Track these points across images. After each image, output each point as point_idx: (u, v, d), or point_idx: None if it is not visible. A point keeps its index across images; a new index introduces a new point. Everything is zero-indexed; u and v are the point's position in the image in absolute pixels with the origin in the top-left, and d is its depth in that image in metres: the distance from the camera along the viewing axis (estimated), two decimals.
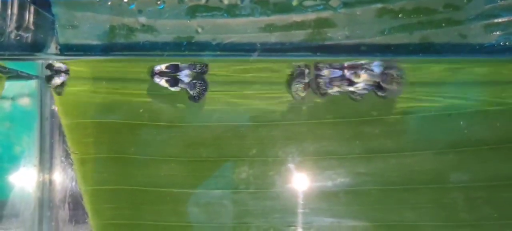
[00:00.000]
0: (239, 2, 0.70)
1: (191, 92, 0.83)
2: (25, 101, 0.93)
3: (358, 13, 0.75)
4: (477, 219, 0.85)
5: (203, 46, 0.72)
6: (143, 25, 0.72)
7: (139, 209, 0.89)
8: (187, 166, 0.88)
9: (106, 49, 0.74)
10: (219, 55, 0.74)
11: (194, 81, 0.81)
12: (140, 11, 0.71)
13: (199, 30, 0.72)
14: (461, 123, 0.84)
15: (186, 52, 0.72)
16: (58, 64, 0.83)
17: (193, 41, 0.72)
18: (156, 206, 0.88)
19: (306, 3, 0.73)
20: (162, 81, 0.81)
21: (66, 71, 0.83)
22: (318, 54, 0.73)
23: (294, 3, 0.71)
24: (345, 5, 0.73)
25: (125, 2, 0.72)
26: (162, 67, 0.79)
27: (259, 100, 0.85)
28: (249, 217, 0.86)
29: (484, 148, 0.84)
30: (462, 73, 0.84)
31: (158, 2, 0.71)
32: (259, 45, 0.72)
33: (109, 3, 0.72)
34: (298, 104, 0.85)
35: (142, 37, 0.73)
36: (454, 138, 0.84)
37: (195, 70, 0.79)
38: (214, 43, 0.72)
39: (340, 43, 0.74)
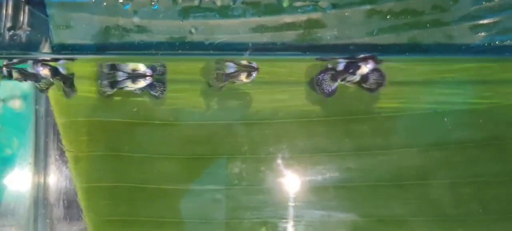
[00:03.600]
0: (231, 3, 0.72)
1: (153, 93, 0.85)
2: (19, 101, 0.94)
3: (347, 14, 0.76)
4: (464, 214, 0.87)
5: (196, 46, 0.73)
6: (138, 26, 0.74)
7: (134, 205, 0.90)
8: (181, 163, 0.89)
9: (101, 49, 0.76)
10: (211, 55, 0.75)
11: (154, 82, 0.83)
12: (135, 12, 0.73)
13: (193, 30, 0.73)
14: (446, 120, 0.86)
15: (180, 52, 0.74)
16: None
17: (186, 41, 0.74)
18: (150, 203, 0.90)
19: (296, 4, 0.75)
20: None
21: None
22: (307, 53, 0.75)
23: (285, 4, 0.73)
24: (334, 6, 0.74)
25: (120, 2, 0.73)
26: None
27: (251, 99, 0.87)
28: (242, 211, 0.88)
29: (470, 145, 0.86)
30: (448, 73, 0.86)
31: (152, 3, 0.73)
32: (250, 45, 0.74)
33: (105, 4, 0.73)
34: (289, 104, 0.87)
35: (136, 37, 0.74)
36: (441, 136, 0.86)
37: (155, 72, 0.81)
38: (206, 43, 0.73)
39: (329, 43, 0.76)
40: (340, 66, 0.81)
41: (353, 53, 0.79)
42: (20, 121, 0.94)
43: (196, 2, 0.72)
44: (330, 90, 0.84)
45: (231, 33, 0.74)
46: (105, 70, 0.82)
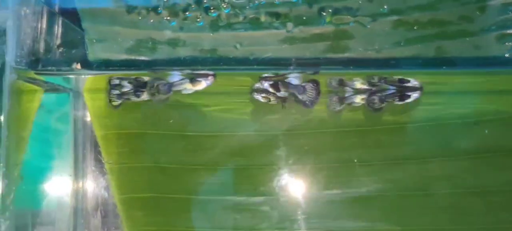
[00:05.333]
0: (274, 19, 0.74)
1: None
2: (60, 114, 0.96)
3: (386, 28, 0.78)
4: (494, 223, 0.88)
5: (241, 61, 0.75)
6: (184, 41, 0.75)
7: (171, 216, 0.92)
8: (217, 174, 0.91)
9: (148, 65, 0.77)
10: (255, 69, 0.77)
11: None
12: (181, 28, 0.75)
13: (237, 46, 0.75)
14: (475, 129, 0.87)
15: (225, 67, 0.75)
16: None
17: (231, 56, 0.75)
18: (186, 213, 0.91)
19: (337, 20, 0.76)
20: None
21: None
22: (351, 68, 0.77)
23: (327, 19, 0.75)
24: (374, 19, 0.76)
25: (167, 19, 0.75)
26: None
27: (284, 110, 0.89)
28: (289, 222, 0.89)
29: (500, 154, 0.87)
30: (477, 84, 0.87)
31: (198, 20, 0.75)
32: (294, 60, 0.76)
33: (152, 20, 0.75)
34: (321, 114, 0.88)
35: (182, 52, 0.76)
36: (470, 145, 0.87)
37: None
38: (251, 58, 0.75)
39: (371, 57, 0.77)
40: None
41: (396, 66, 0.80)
42: (64, 130, 0.96)
43: (241, 18, 0.74)
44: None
45: (275, 46, 0.75)
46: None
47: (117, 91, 0.87)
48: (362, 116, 0.88)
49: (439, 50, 0.82)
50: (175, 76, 0.82)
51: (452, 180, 0.88)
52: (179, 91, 0.84)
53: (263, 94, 0.83)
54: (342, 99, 0.86)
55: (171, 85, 0.83)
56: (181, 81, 0.83)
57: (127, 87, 0.86)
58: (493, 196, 0.88)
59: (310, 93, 0.83)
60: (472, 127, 0.87)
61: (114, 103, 0.88)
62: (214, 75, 0.82)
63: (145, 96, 0.86)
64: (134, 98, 0.87)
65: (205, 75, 0.82)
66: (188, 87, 0.83)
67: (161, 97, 0.84)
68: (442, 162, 0.88)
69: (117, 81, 0.86)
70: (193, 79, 0.82)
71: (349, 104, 0.87)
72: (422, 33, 0.81)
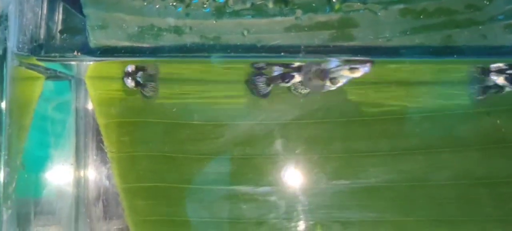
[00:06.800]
0: (283, 5, 0.72)
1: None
2: (61, 101, 0.95)
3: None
4: (503, 214, 0.87)
5: (248, 48, 0.74)
6: (190, 28, 0.74)
7: (174, 205, 0.91)
8: (221, 163, 0.90)
9: (153, 52, 0.76)
10: (264, 57, 0.76)
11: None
12: (187, 15, 0.73)
13: (245, 32, 0.74)
14: (485, 120, 0.86)
15: (232, 54, 0.74)
16: None
17: (238, 43, 0.74)
18: (189, 203, 0.90)
19: (347, 8, 0.75)
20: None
21: None
22: (359, 55, 0.76)
23: (336, 6, 0.73)
24: (385, 8, 0.75)
25: (172, 5, 0.73)
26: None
27: (292, 99, 0.87)
28: (296, 213, 0.88)
29: (510, 145, 0.86)
30: None
31: (204, 6, 0.73)
32: (303, 47, 0.74)
33: (157, 6, 0.74)
34: (327, 104, 0.87)
35: (188, 39, 0.75)
36: (479, 136, 0.86)
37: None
38: (259, 45, 0.74)
39: (381, 45, 0.76)
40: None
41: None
42: (65, 118, 0.95)
43: (248, 4, 0.72)
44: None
45: (283, 33, 0.74)
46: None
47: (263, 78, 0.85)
48: (365, 106, 0.87)
49: (448, 39, 0.81)
50: (332, 62, 0.80)
51: (461, 170, 0.87)
52: (336, 78, 0.82)
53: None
54: (485, 89, 0.86)
55: (327, 71, 0.81)
56: (338, 68, 0.81)
57: (277, 71, 0.84)
58: (503, 187, 0.87)
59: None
60: (484, 116, 0.86)
61: (261, 89, 0.86)
62: (372, 62, 0.80)
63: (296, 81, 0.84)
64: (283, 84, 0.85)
65: (363, 62, 0.80)
66: (345, 74, 0.81)
67: (317, 84, 0.82)
68: (452, 153, 0.87)
69: (262, 65, 0.84)
70: (351, 67, 0.80)
71: (496, 92, 0.86)
72: (430, 22, 0.80)
